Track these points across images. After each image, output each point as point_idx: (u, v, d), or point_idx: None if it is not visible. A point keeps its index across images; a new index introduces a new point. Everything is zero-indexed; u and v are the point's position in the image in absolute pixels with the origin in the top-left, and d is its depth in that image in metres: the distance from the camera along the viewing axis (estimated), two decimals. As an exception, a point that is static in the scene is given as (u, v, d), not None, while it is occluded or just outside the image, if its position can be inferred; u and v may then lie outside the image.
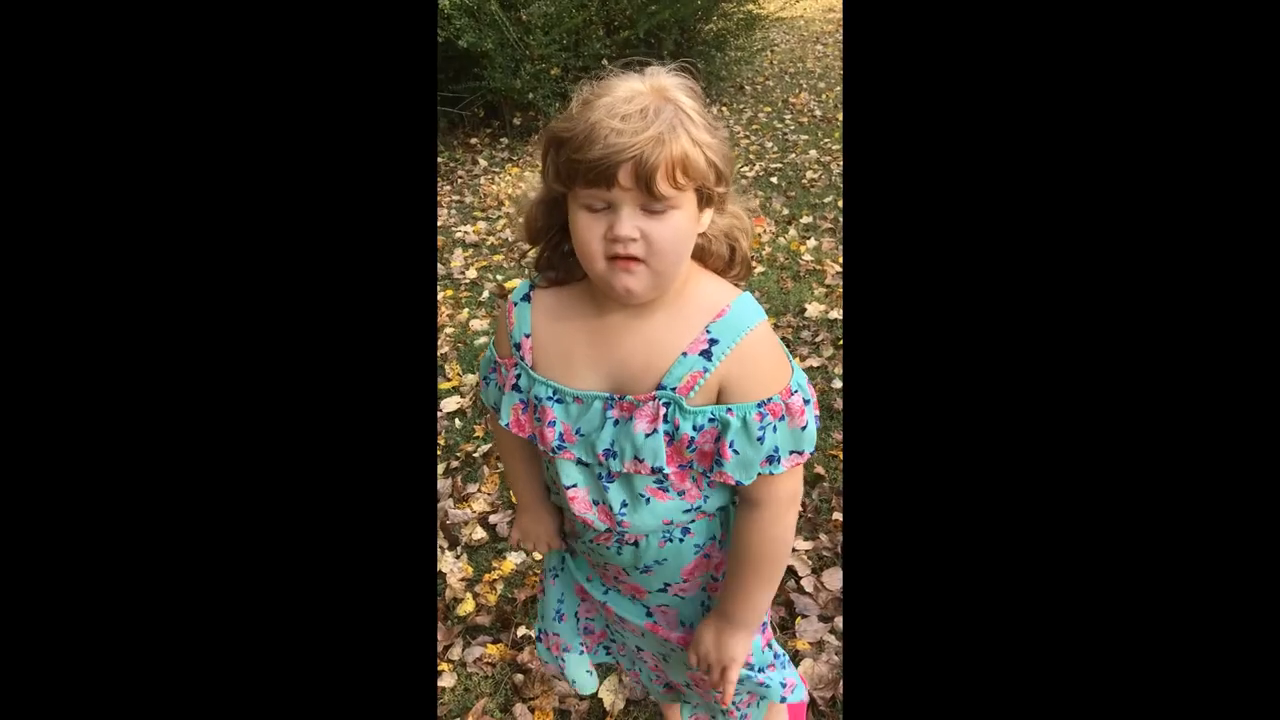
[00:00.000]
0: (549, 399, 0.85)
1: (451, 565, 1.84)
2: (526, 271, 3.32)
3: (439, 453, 2.24)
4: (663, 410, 0.80)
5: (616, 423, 0.83)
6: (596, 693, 1.53)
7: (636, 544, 0.92)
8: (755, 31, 6.41)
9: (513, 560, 1.84)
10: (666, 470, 0.82)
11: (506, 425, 0.89)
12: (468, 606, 1.73)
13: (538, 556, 1.84)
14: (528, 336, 0.87)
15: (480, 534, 1.93)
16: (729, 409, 0.79)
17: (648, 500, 0.87)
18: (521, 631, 1.66)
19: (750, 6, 6.10)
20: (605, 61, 4.95)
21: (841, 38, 7.56)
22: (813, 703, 1.46)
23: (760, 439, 0.79)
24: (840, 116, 5.03)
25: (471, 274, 3.33)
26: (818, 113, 5.33)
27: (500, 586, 1.79)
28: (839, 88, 5.81)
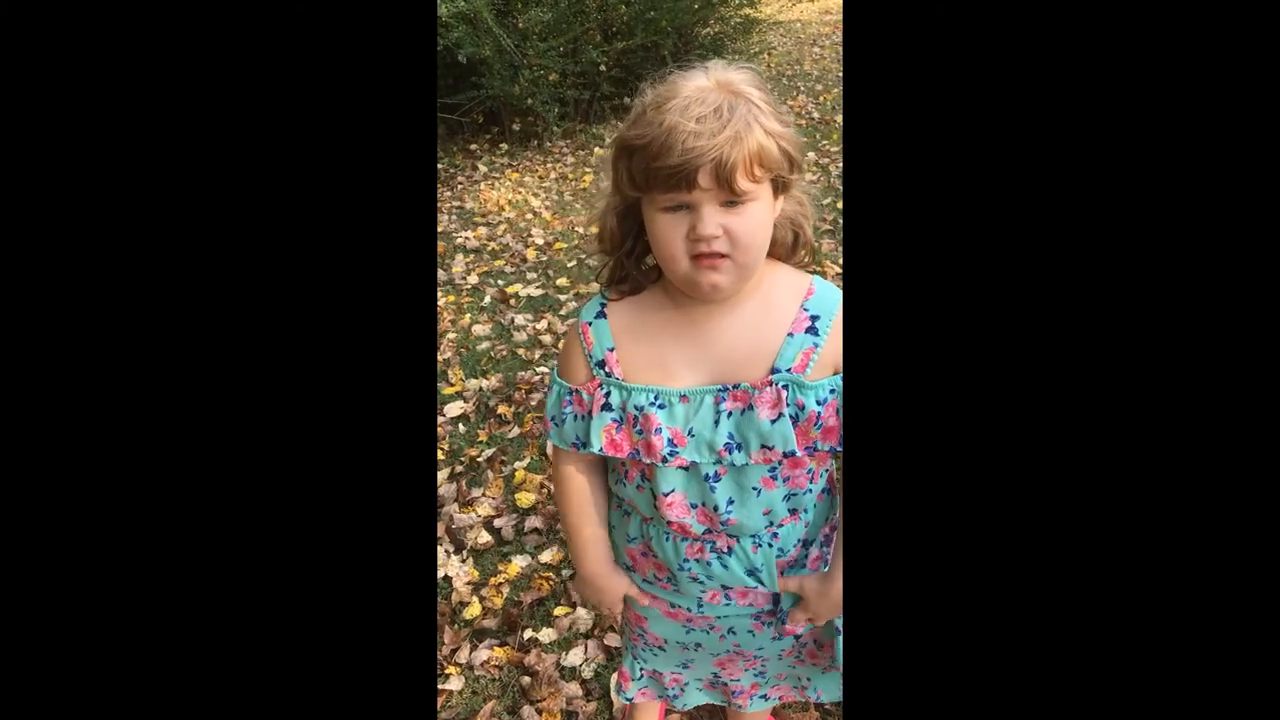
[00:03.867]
0: (651, 405, 0.83)
1: (458, 569, 1.85)
2: (527, 276, 3.33)
3: (443, 458, 2.24)
4: (783, 393, 0.80)
5: (731, 414, 0.82)
6: (605, 694, 1.54)
7: (731, 551, 0.90)
8: (752, 35, 6.43)
9: (518, 564, 1.85)
10: (799, 454, 0.81)
11: (600, 450, 0.86)
12: (474, 610, 1.74)
13: (544, 559, 1.85)
14: (611, 350, 0.86)
15: (485, 538, 1.94)
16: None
17: (759, 492, 0.85)
18: (528, 634, 1.67)
19: (747, 10, 6.12)
20: (602, 68, 5.00)
21: (839, 40, 7.57)
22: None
23: None
24: (839, 119, 5.04)
25: (473, 279, 3.33)
26: (815, 115, 5.34)
27: (506, 590, 1.79)
28: (836, 90, 5.82)
